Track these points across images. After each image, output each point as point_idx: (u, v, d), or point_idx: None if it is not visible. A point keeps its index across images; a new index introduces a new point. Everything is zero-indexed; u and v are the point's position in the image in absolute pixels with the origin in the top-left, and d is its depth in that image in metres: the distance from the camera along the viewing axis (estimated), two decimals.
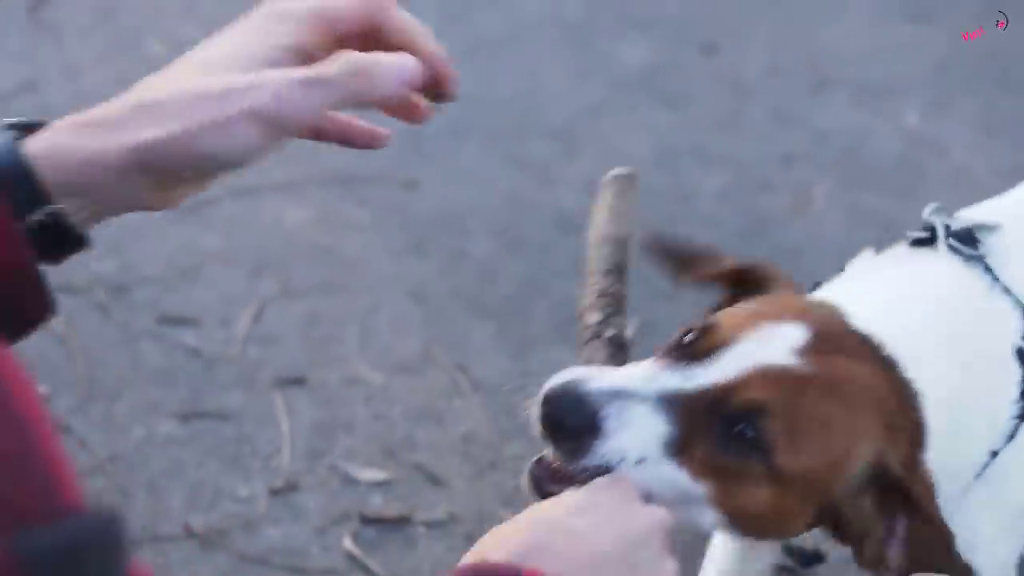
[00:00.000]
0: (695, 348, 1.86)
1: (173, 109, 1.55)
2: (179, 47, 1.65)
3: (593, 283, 2.16)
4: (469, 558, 1.55)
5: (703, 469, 1.78)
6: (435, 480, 3.32)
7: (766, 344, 1.82)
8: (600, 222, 2.21)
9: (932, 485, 1.85)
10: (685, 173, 4.41)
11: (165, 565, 3.08)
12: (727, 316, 1.90)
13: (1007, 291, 2.12)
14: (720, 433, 1.77)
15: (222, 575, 3.09)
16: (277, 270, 3.94)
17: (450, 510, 3.25)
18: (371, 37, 1.68)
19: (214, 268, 3.93)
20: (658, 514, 1.67)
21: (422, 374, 3.60)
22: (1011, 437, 2.04)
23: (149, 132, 1.55)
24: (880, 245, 4.15)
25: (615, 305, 2.15)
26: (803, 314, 1.89)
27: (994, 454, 2.04)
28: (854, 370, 1.84)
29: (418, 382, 3.58)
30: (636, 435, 1.76)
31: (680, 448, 1.77)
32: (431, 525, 3.21)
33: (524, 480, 1.84)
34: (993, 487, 2.06)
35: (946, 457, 1.93)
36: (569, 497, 1.68)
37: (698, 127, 4.63)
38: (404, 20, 1.68)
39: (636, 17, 5.16)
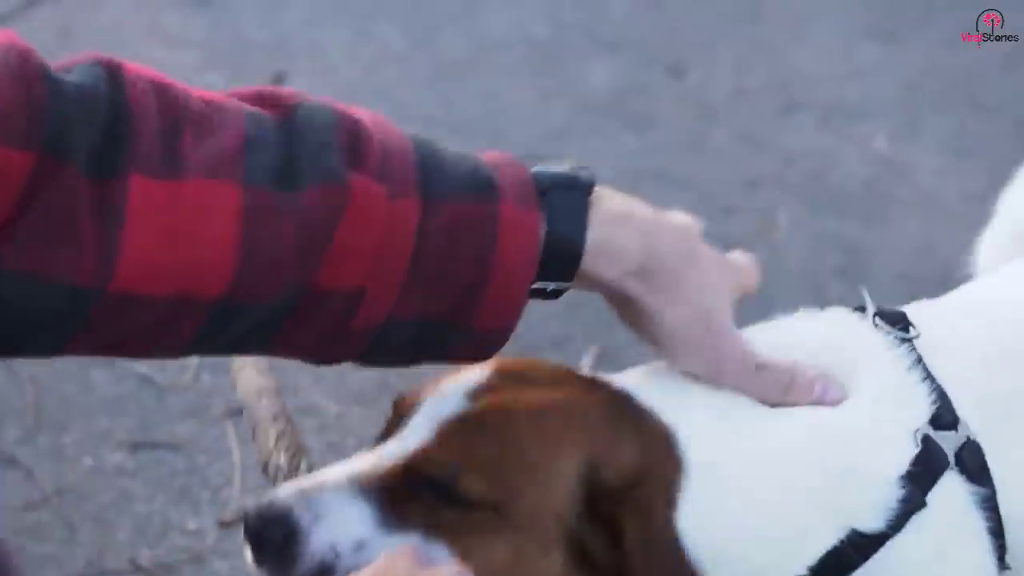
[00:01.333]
0: (389, 426, 1.82)
1: None
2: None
3: (265, 431, 2.09)
4: None
5: (432, 533, 1.71)
6: None
7: (444, 397, 1.77)
8: (249, 377, 2.24)
9: (668, 494, 1.77)
10: (649, 197, 4.30)
11: None
12: (421, 385, 1.84)
13: (928, 377, 1.96)
14: (432, 496, 1.71)
15: None
16: None
17: None
18: None
19: None
20: (453, 571, 1.67)
21: (377, 404, 3.55)
22: (896, 526, 1.87)
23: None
24: (844, 271, 4.14)
25: (295, 447, 2.08)
26: (486, 365, 1.82)
27: (855, 537, 1.86)
28: (540, 396, 1.76)
29: (373, 412, 3.52)
30: (339, 523, 1.70)
31: (398, 521, 1.71)
32: None
33: None
34: None
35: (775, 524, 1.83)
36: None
37: (663, 150, 4.59)
38: None
39: (604, 38, 5.13)
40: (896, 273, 3.99)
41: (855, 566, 1.84)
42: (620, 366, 3.68)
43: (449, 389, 1.78)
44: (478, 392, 1.76)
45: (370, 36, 5.05)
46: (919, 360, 1.97)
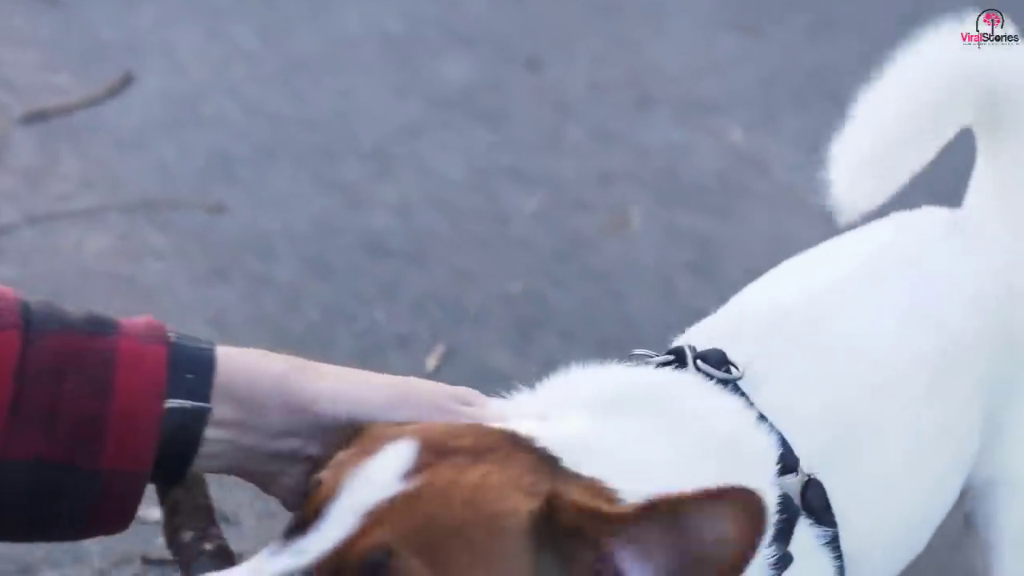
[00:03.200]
0: (304, 516, 1.62)
1: None
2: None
3: (173, 501, 1.87)
4: None
5: None
6: (224, 518, 3.20)
7: (370, 481, 1.60)
8: None
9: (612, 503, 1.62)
10: (501, 194, 4.34)
11: None
12: (330, 467, 1.66)
13: (762, 420, 1.88)
14: None
15: None
16: (74, 300, 3.74)
17: (238, 549, 3.14)
18: None
19: None
20: None
21: None
22: None
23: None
24: (696, 266, 4.12)
25: (206, 517, 1.86)
26: (404, 434, 1.66)
27: None
28: (472, 470, 1.61)
29: None
30: None
31: None
32: None
33: None
34: None
35: None
36: None
37: (516, 146, 4.56)
38: None
39: (460, 32, 5.09)
40: (748, 268, 3.95)
41: None
42: (465, 364, 3.70)
43: (374, 472, 1.61)
44: (406, 472, 1.59)
45: (222, 35, 4.97)
46: (750, 404, 1.89)
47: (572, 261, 4.06)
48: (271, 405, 1.73)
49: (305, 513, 1.61)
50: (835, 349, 2.05)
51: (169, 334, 1.71)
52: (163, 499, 1.84)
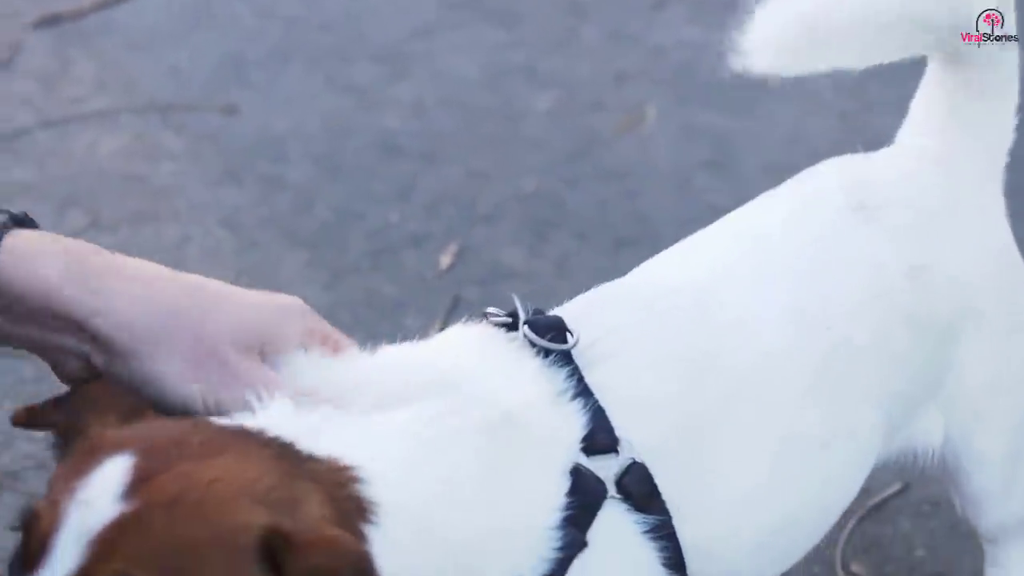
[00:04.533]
0: (27, 554, 1.48)
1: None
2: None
3: None
4: None
5: None
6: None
7: (88, 504, 1.47)
8: None
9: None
10: (515, 94, 4.31)
11: None
12: (45, 500, 1.53)
13: (583, 394, 1.76)
14: None
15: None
16: (88, 202, 3.82)
17: None
18: None
19: (23, 202, 3.79)
20: None
21: None
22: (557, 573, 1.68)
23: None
24: (713, 164, 4.09)
25: None
26: (120, 445, 1.53)
27: None
28: (200, 475, 1.50)
29: None
30: None
31: None
32: None
33: None
34: None
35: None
36: None
37: (530, 46, 4.52)
38: None
39: None
40: (765, 165, 3.95)
41: None
42: (479, 263, 3.69)
43: (91, 494, 1.48)
44: (129, 489, 1.47)
45: None
46: (574, 374, 1.78)
47: (586, 160, 4.04)
48: (40, 316, 1.67)
49: (28, 550, 1.49)
50: (705, 338, 1.91)
51: None
52: None
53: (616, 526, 1.73)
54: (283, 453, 1.56)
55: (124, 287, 1.68)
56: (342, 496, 1.54)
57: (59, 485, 1.52)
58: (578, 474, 1.70)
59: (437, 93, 4.30)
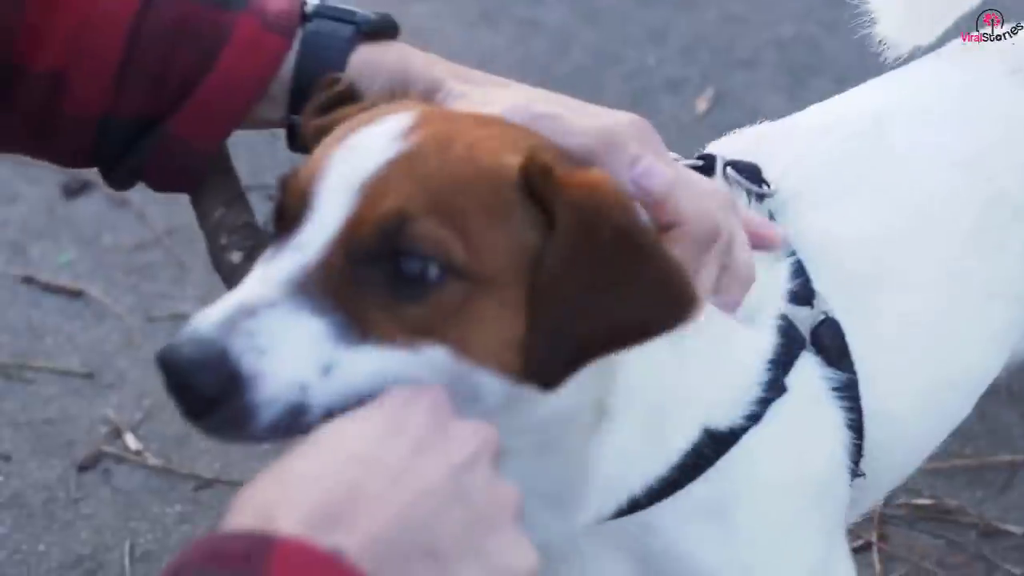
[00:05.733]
0: (286, 211, 1.38)
1: None
2: None
3: (216, 221, 1.68)
4: (241, 520, 1.16)
5: (408, 329, 1.32)
6: None
7: (360, 150, 1.38)
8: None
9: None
10: None
11: None
12: (309, 158, 1.43)
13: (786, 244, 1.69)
14: (386, 277, 1.32)
15: None
16: None
17: None
18: None
19: None
20: (479, 430, 1.27)
21: None
22: (755, 417, 1.62)
23: None
24: None
25: (252, 235, 1.66)
26: (402, 108, 1.45)
27: (711, 435, 1.60)
28: (472, 129, 1.41)
29: None
30: (291, 349, 1.28)
31: (361, 327, 1.31)
32: None
33: None
34: (718, 491, 1.61)
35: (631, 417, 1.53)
36: (362, 420, 1.26)
37: None
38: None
39: None
40: None
41: (710, 462, 1.59)
42: (736, 108, 3.65)
43: (363, 141, 1.39)
44: (403, 133, 1.38)
45: None
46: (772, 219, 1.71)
47: (846, 5, 3.95)
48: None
49: (285, 210, 1.38)
50: (883, 171, 1.85)
51: (306, 24, 1.62)
52: (204, 219, 1.70)
53: (810, 378, 1.67)
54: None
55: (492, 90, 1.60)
56: None
57: (317, 150, 1.42)
58: (784, 320, 1.65)
59: None
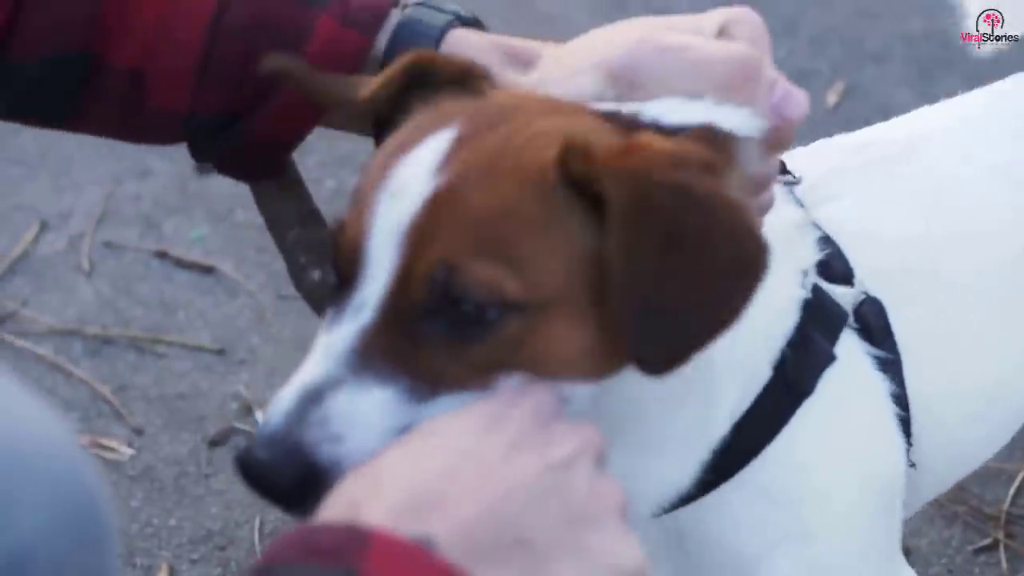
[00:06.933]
0: (340, 268, 1.37)
1: None
2: None
3: (294, 240, 1.70)
4: (333, 511, 1.20)
5: (478, 370, 1.32)
6: None
7: (397, 195, 1.33)
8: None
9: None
10: None
11: None
12: (353, 201, 1.38)
13: (812, 223, 1.68)
14: (444, 326, 1.31)
15: None
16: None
17: None
18: None
19: None
20: (581, 431, 1.29)
21: None
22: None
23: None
24: None
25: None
26: (446, 119, 1.38)
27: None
28: (522, 115, 1.37)
29: None
30: (365, 429, 1.28)
31: (430, 382, 1.31)
32: None
33: None
34: (767, 474, 1.60)
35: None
36: (462, 417, 1.28)
37: None
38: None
39: None
40: None
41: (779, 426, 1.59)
42: (866, 102, 3.64)
43: (399, 184, 1.34)
44: (444, 162, 1.33)
45: None
46: (799, 204, 1.69)
47: None
48: None
49: (339, 268, 1.37)
50: (923, 181, 1.84)
51: (391, 20, 1.62)
52: (280, 240, 1.72)
53: (854, 352, 1.66)
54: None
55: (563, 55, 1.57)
56: None
57: (361, 186, 1.38)
58: (819, 292, 1.63)
59: None
